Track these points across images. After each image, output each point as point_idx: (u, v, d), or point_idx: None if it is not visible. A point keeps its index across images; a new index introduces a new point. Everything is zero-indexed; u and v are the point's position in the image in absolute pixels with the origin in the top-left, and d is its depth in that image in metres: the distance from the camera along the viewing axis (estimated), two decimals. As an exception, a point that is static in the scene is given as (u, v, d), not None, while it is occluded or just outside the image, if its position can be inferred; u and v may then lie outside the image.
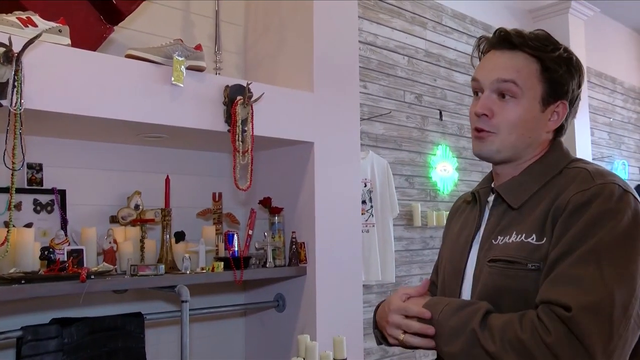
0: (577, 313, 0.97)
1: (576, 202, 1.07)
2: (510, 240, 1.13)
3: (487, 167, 3.85)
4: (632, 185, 5.70)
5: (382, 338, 1.30)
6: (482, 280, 1.16)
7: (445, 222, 3.72)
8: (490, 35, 1.25)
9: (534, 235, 1.10)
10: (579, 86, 1.22)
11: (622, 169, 5.55)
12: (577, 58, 1.22)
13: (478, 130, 1.20)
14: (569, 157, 1.21)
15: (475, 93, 1.24)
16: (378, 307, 1.34)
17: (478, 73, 1.22)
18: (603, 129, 5.48)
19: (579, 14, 4.75)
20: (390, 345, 1.26)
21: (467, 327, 1.08)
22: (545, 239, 1.09)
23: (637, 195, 1.11)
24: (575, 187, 1.09)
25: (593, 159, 4.97)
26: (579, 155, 4.55)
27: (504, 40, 1.20)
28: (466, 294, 1.22)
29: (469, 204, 1.34)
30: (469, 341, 1.06)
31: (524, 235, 1.11)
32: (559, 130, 1.24)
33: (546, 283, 1.05)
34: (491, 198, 1.25)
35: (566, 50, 1.21)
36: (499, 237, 1.16)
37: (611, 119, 5.59)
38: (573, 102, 1.22)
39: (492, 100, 1.18)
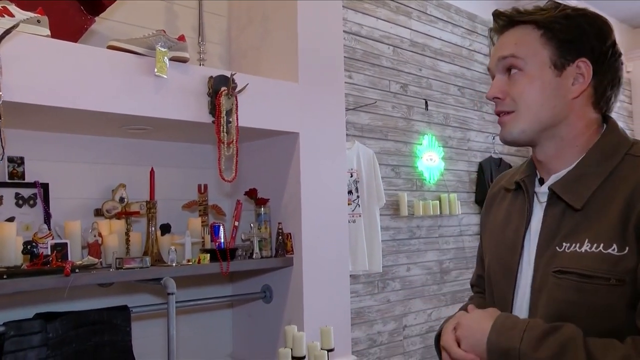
0: None
1: None
2: (583, 250, 1.01)
3: (473, 156, 3.86)
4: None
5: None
6: (549, 292, 1.04)
7: (432, 212, 3.78)
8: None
9: (614, 246, 0.98)
10: (603, 39, 1.09)
11: (606, 157, 5.60)
12: (592, 12, 1.11)
13: (498, 114, 1.14)
14: (627, 141, 1.08)
15: None
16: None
17: (489, 63, 1.18)
18: (587, 118, 5.52)
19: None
20: None
21: None
22: (627, 248, 0.97)
23: None
24: None
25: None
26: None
27: (502, 21, 1.15)
28: (522, 302, 1.11)
29: (509, 192, 1.23)
30: None
31: (602, 245, 0.99)
32: (599, 95, 1.10)
33: None
34: (540, 190, 1.14)
35: (574, 9, 1.10)
36: (564, 244, 1.04)
37: (595, 108, 5.63)
38: (603, 60, 1.08)
39: (502, 81, 1.12)
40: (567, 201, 1.06)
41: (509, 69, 1.12)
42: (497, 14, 1.16)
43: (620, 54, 1.12)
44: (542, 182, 1.14)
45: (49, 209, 2.09)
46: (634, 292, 0.97)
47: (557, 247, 1.05)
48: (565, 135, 1.10)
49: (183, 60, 2.06)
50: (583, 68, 1.08)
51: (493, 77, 1.16)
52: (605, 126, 1.12)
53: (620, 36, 6.44)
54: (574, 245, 1.02)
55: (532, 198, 1.14)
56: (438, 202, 3.85)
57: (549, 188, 1.09)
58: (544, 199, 1.12)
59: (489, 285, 1.22)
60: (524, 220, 1.13)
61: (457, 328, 1.10)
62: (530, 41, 1.09)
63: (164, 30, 2.05)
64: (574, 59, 1.08)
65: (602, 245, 0.99)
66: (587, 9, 1.13)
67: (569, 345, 0.94)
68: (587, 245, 1.00)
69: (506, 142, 1.14)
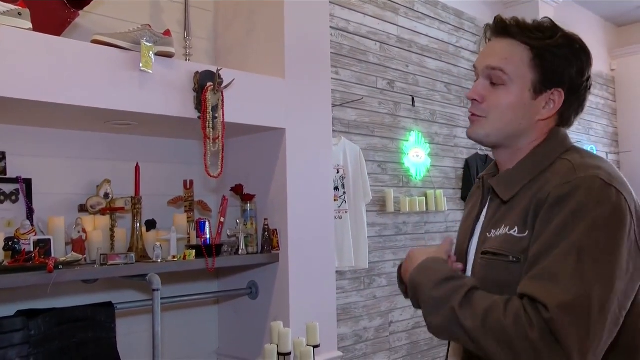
0: (555, 313, 0.98)
1: (555, 195, 1.07)
2: (499, 234, 1.16)
3: (459, 153, 3.89)
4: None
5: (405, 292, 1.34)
6: (477, 271, 1.20)
7: (418, 208, 3.80)
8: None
9: (516, 228, 1.13)
10: (582, 74, 1.19)
11: (590, 154, 5.66)
12: (580, 45, 1.20)
13: (471, 113, 1.24)
14: (564, 147, 1.19)
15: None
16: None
17: (476, 60, 1.26)
18: (572, 115, 5.56)
19: (549, 1, 4.80)
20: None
21: (448, 304, 1.10)
22: (527, 232, 1.11)
23: (622, 187, 1.08)
24: (557, 180, 1.10)
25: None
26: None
27: (499, 28, 1.22)
28: None
29: (478, 189, 1.36)
30: (449, 318, 1.09)
31: (508, 228, 1.15)
32: (563, 120, 1.22)
33: (528, 277, 1.06)
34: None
35: (567, 37, 1.19)
36: (492, 231, 1.19)
37: (580, 105, 5.68)
38: (575, 91, 1.19)
39: (484, 86, 1.21)
40: (499, 195, 1.21)
41: (492, 78, 1.21)
42: (499, 20, 1.22)
43: (591, 86, 1.23)
44: None
45: (31, 205, 2.07)
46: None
47: (487, 233, 1.21)
48: (522, 145, 1.22)
49: (169, 55, 2.04)
50: (556, 96, 1.19)
51: (476, 75, 1.26)
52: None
53: (604, 35, 6.50)
54: (497, 230, 1.18)
55: (488, 192, 1.28)
56: (424, 198, 3.86)
57: (489, 183, 1.25)
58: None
59: None
60: (477, 212, 1.29)
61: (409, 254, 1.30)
62: (520, 62, 1.18)
63: (149, 25, 2.03)
64: (551, 87, 1.18)
65: (508, 228, 1.15)
66: (577, 36, 1.21)
67: (458, 291, 1.10)
68: (502, 230, 1.16)
69: (471, 139, 1.27)
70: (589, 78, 1.21)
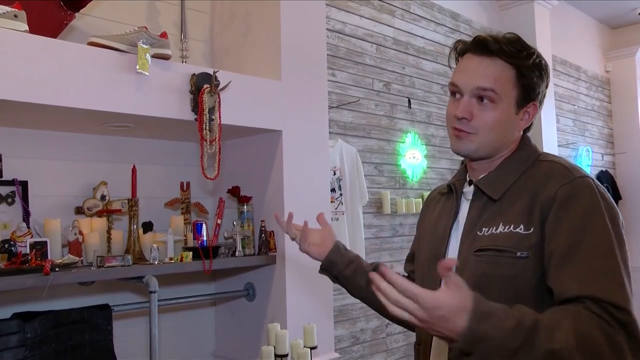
0: (631, 313, 1.08)
1: (563, 194, 1.18)
2: (498, 231, 1.22)
3: (455, 155, 3.86)
4: (596, 171, 5.86)
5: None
6: (470, 270, 1.22)
7: (415, 209, 3.80)
8: (466, 38, 1.34)
9: (521, 226, 1.20)
10: (547, 86, 1.33)
11: (586, 155, 5.68)
12: (544, 62, 1.32)
13: (458, 130, 1.29)
14: (537, 151, 1.34)
15: (453, 94, 1.32)
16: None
17: (457, 78, 1.29)
18: (568, 116, 5.59)
19: (544, 3, 4.82)
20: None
21: (537, 347, 1.02)
22: (532, 228, 1.18)
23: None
24: (558, 181, 1.20)
25: (558, 146, 5.07)
26: (545, 141, 4.67)
27: (482, 46, 1.27)
28: None
29: (443, 195, 1.44)
30: (545, 358, 1.03)
31: (512, 226, 1.20)
32: (530, 126, 1.36)
33: (582, 279, 1.11)
34: (467, 189, 1.35)
35: (538, 55, 1.30)
36: (483, 229, 1.24)
37: (575, 107, 5.71)
38: (542, 101, 1.34)
39: (472, 105, 1.27)
40: (488, 194, 1.28)
41: (481, 97, 1.26)
42: (483, 39, 1.27)
43: None
44: (471, 183, 1.35)
45: (28, 207, 2.06)
46: (535, 263, 1.18)
47: (477, 232, 1.25)
48: (500, 153, 1.32)
49: (165, 58, 2.04)
50: (532, 109, 1.31)
51: (457, 92, 1.29)
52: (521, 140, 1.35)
53: (600, 37, 6.49)
54: (491, 228, 1.23)
55: (460, 197, 1.36)
56: (421, 199, 3.87)
57: (475, 184, 1.31)
58: (469, 196, 1.33)
59: (422, 278, 1.39)
60: (452, 215, 1.34)
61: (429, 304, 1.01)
62: (507, 81, 1.26)
63: (145, 27, 2.03)
64: (529, 102, 1.30)
65: (512, 226, 1.21)
66: (541, 54, 1.31)
67: (538, 331, 1.03)
68: (501, 227, 1.22)
69: (460, 154, 1.33)
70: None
